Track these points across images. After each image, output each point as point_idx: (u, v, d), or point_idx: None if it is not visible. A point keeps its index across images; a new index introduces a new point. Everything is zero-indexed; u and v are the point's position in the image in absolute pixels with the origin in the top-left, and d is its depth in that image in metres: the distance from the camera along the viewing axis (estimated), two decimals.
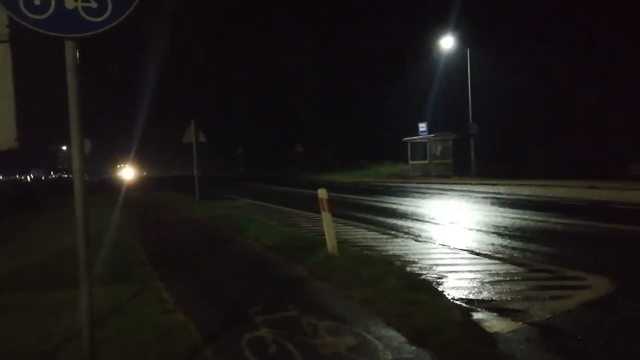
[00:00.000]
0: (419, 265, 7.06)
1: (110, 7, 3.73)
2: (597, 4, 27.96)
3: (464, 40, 30.47)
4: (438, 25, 32.72)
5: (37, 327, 4.63)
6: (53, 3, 3.63)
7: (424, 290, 5.38)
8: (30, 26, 3.61)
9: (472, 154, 28.66)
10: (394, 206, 15.54)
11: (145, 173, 68.60)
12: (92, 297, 3.76)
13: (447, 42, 31.05)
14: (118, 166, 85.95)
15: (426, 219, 12.22)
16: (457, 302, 5.28)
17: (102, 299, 5.07)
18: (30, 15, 3.61)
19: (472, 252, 7.91)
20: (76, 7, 3.67)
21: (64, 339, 4.30)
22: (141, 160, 73.58)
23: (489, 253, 7.80)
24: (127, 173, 60.80)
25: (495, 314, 4.91)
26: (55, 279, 6.25)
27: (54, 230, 11.24)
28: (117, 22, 3.77)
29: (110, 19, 3.75)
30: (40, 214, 16.63)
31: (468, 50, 29.58)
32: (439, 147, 31.47)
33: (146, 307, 5.08)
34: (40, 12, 3.62)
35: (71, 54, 3.74)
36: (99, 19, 3.73)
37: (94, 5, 3.70)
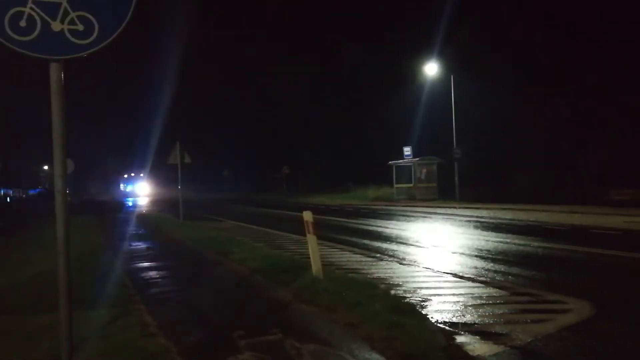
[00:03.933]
0: (404, 288, 7.06)
1: (96, 30, 3.76)
2: (577, 33, 28.69)
3: (448, 67, 31.01)
4: (423, 52, 33.27)
5: (15, 352, 4.52)
6: (39, 25, 3.65)
7: (408, 313, 5.38)
8: (15, 48, 3.62)
9: (456, 178, 28.91)
10: (379, 229, 15.57)
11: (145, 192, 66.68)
12: (72, 320, 3.71)
13: (431, 69, 31.57)
14: (121, 184, 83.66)
15: (410, 242, 12.25)
16: (441, 326, 5.28)
17: (82, 322, 4.98)
18: (15, 36, 3.61)
19: (455, 275, 7.94)
20: (62, 30, 3.69)
21: None
22: (157, 177, 70.31)
23: (472, 276, 7.83)
24: (142, 189, 60.19)
25: (478, 337, 4.92)
26: (34, 302, 6.13)
27: (34, 251, 11.05)
28: (104, 45, 3.80)
29: (96, 42, 3.77)
30: (21, 234, 16.35)
31: (452, 76, 30.08)
32: (424, 171, 31.74)
33: (127, 331, 5.00)
34: (26, 34, 3.63)
35: (56, 76, 3.74)
36: (85, 42, 3.75)
37: (81, 27, 3.72)
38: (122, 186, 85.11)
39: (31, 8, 3.62)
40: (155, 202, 42.75)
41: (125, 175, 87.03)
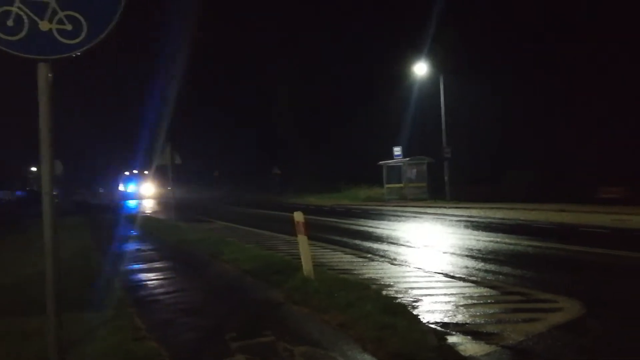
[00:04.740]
0: (395, 288, 7.07)
1: (85, 30, 3.71)
2: (568, 32, 28.90)
3: (438, 66, 31.13)
4: (413, 51, 33.32)
5: (4, 355, 4.48)
6: (26, 25, 3.60)
7: (400, 314, 5.38)
8: (2, 47, 3.57)
9: (446, 178, 29.04)
10: (370, 229, 15.59)
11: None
12: (61, 323, 3.67)
13: (420, 69, 31.68)
14: (121, 183, 75.59)
15: (401, 242, 12.27)
16: (432, 326, 5.29)
17: (72, 325, 4.92)
18: (3, 36, 3.56)
19: (446, 275, 7.96)
20: (50, 29, 3.64)
21: None
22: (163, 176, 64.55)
23: (463, 276, 7.86)
24: (146, 190, 55.36)
25: (469, 337, 4.93)
26: (25, 304, 6.06)
27: (23, 252, 10.94)
28: (92, 45, 3.75)
29: (85, 42, 3.72)
30: (11, 235, 16.18)
31: (441, 76, 30.21)
32: (414, 171, 31.85)
33: (118, 334, 4.96)
34: (13, 33, 3.58)
35: (44, 76, 3.69)
36: (74, 42, 3.70)
37: (69, 27, 3.68)
38: (121, 186, 77.79)
39: (19, 7, 3.56)
40: (159, 205, 40.45)
41: (127, 173, 78.84)
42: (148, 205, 40.16)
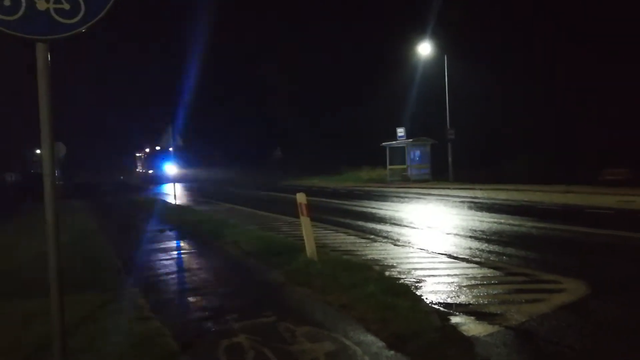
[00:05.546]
0: (398, 269, 7.07)
1: (83, 9, 3.64)
2: (570, 13, 28.52)
3: (441, 47, 30.83)
4: (417, 32, 33.01)
5: (7, 337, 4.51)
6: (23, 4, 3.53)
7: (403, 294, 5.38)
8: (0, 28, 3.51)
9: (450, 159, 28.96)
10: (373, 210, 15.58)
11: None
12: (64, 304, 3.67)
13: (424, 49, 31.38)
14: (137, 167, 68.30)
15: (405, 223, 12.27)
16: (436, 306, 5.29)
17: (75, 306, 4.95)
18: None
19: (450, 256, 7.96)
20: (48, 9, 3.57)
21: (35, 348, 4.20)
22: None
23: (467, 257, 7.85)
24: (169, 170, 51.01)
25: (472, 317, 4.93)
26: (28, 287, 6.10)
27: (27, 235, 10.99)
28: (90, 24, 3.68)
29: (83, 21, 3.66)
30: (12, 218, 16.25)
31: (445, 56, 29.93)
32: (417, 152, 31.75)
33: (121, 315, 5.00)
34: (10, 13, 3.52)
35: (42, 56, 3.63)
36: (72, 21, 3.64)
37: (67, 6, 3.61)
38: (139, 167, 63.48)
39: None
40: (165, 187, 37.75)
41: (147, 150, 66.00)
42: (161, 189, 39.68)
